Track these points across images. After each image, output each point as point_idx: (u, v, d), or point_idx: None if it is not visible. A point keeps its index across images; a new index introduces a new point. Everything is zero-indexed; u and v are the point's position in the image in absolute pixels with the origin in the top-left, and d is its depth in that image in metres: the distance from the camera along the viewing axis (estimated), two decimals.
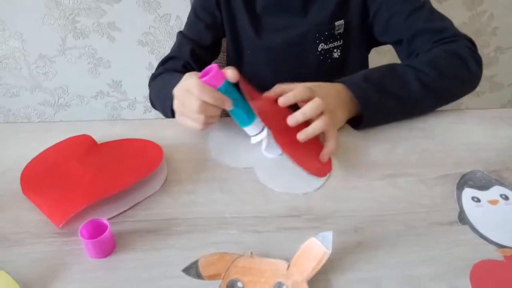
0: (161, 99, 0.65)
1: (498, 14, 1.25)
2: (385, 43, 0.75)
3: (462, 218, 0.45)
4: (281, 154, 0.53)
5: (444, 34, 0.66)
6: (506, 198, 0.47)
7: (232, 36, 0.78)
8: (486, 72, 1.39)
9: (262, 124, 0.51)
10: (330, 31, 0.72)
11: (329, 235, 0.38)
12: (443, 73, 0.60)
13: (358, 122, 0.58)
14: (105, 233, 0.39)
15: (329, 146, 0.51)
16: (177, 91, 0.53)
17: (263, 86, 0.76)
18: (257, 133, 0.51)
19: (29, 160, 0.50)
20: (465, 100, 1.47)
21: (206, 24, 0.76)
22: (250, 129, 0.51)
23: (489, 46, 1.33)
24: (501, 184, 0.49)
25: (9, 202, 0.47)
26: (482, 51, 1.33)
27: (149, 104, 1.35)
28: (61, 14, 1.15)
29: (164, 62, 0.77)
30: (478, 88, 1.53)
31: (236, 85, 0.50)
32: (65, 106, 1.37)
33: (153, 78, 0.75)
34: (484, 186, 0.49)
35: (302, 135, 0.49)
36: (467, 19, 1.26)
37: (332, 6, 0.70)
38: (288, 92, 0.51)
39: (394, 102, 0.58)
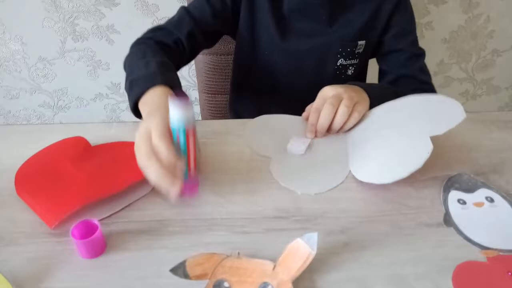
0: (131, 80, 0.58)
1: (494, 17, 1.24)
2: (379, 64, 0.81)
3: (448, 220, 0.46)
4: (302, 154, 0.56)
5: (425, 87, 0.75)
6: (491, 200, 0.48)
7: (250, 34, 0.75)
8: (483, 75, 1.40)
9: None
10: (352, 48, 0.74)
11: (314, 236, 0.39)
12: None
13: None
14: (95, 234, 0.40)
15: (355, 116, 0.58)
16: (140, 134, 0.44)
17: (276, 87, 0.77)
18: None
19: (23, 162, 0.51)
20: (463, 103, 1.48)
21: (214, 10, 0.71)
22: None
23: (486, 49, 1.33)
24: (487, 186, 0.50)
25: (5, 202, 0.47)
26: (479, 54, 1.34)
27: None
28: (60, 17, 1.15)
29: (156, 30, 0.70)
30: (476, 91, 1.53)
31: None
32: (64, 108, 1.38)
33: (138, 42, 0.67)
34: (470, 189, 0.49)
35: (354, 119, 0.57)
36: (463, 22, 1.25)
37: (358, 24, 0.72)
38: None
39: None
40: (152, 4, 1.15)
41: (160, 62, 0.59)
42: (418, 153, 0.47)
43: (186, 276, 0.38)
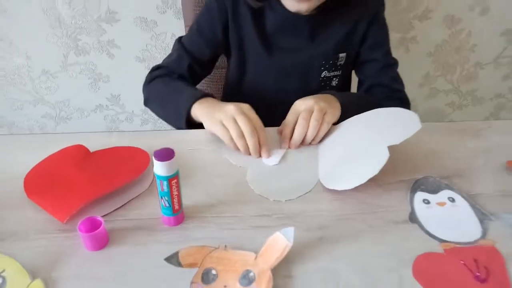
0: (170, 104, 0.73)
1: (475, 32, 1.31)
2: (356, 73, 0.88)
3: (412, 217, 0.51)
4: (276, 165, 0.61)
5: (398, 95, 0.81)
6: (453, 200, 0.54)
7: (238, 53, 0.81)
8: (467, 86, 1.46)
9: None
10: (334, 61, 0.80)
11: (291, 230, 0.45)
12: None
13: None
14: (99, 228, 0.45)
15: (324, 128, 0.64)
16: (230, 110, 0.61)
17: (264, 100, 0.85)
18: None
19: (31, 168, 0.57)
20: (450, 113, 1.54)
21: (206, 40, 0.80)
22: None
23: (469, 62, 1.39)
24: (450, 188, 0.55)
25: (17, 204, 0.53)
26: (463, 67, 1.41)
27: (146, 116, 1.43)
28: (64, 33, 1.22)
29: (160, 68, 0.81)
30: (462, 102, 1.59)
31: None
32: (66, 119, 1.43)
33: (151, 80, 0.79)
34: (434, 190, 0.55)
35: (323, 130, 0.63)
36: (447, 36, 1.32)
37: (338, 38, 0.78)
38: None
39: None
40: (151, 20, 1.21)
41: (185, 83, 0.74)
42: (376, 161, 0.52)
43: (178, 264, 0.43)
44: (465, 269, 0.45)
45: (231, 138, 0.60)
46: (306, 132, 0.62)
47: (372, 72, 0.83)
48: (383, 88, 0.81)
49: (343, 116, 0.67)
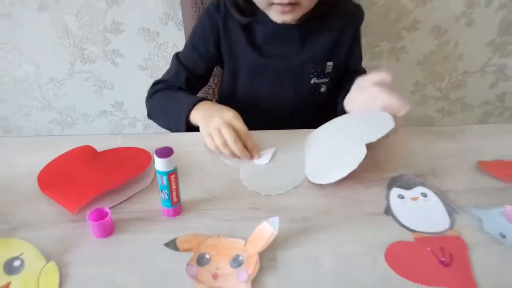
0: (171, 113, 0.79)
1: (462, 43, 1.37)
2: None
3: (388, 210, 0.57)
4: (266, 164, 0.67)
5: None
6: (425, 195, 0.59)
7: (231, 63, 0.87)
8: (456, 94, 1.52)
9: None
10: (323, 69, 0.85)
11: (276, 219, 0.50)
12: None
13: None
14: (106, 218, 0.51)
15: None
16: (215, 123, 0.67)
17: (257, 107, 0.91)
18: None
19: (43, 166, 0.63)
20: (439, 119, 1.60)
21: (201, 55, 0.86)
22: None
23: (457, 70, 1.45)
24: (424, 185, 0.61)
25: (31, 198, 0.58)
26: (451, 75, 1.47)
27: (148, 122, 1.49)
28: (71, 43, 1.29)
29: (160, 82, 0.87)
30: (451, 108, 1.65)
31: None
32: (71, 124, 1.50)
33: (153, 94, 0.85)
34: (409, 186, 0.61)
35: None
36: (435, 46, 1.38)
37: (326, 46, 0.83)
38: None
39: None
40: (153, 31, 1.28)
41: (184, 92, 0.81)
42: (354, 157, 0.58)
43: (176, 249, 0.49)
44: (432, 255, 0.50)
45: (217, 147, 0.67)
46: None
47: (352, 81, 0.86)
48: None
49: None
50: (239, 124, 0.68)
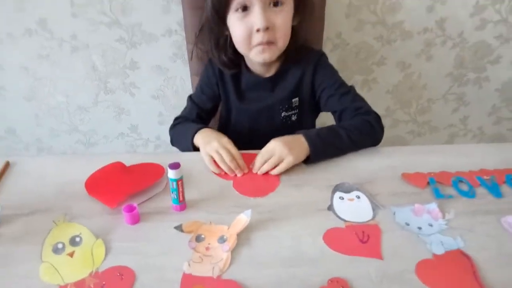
0: (183, 139, 1.03)
1: (424, 74, 1.59)
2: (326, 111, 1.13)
3: (330, 208, 0.80)
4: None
5: (360, 110, 1.00)
6: (358, 197, 0.82)
7: (224, 103, 1.15)
8: (423, 118, 1.75)
9: None
10: (290, 104, 1.10)
11: (249, 211, 0.74)
12: (361, 132, 0.94)
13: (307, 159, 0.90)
14: (134, 211, 0.75)
15: (278, 169, 0.87)
16: (214, 145, 0.90)
17: (244, 136, 1.17)
18: None
19: (90, 174, 0.87)
20: (411, 139, 1.83)
21: (208, 96, 1.14)
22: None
23: (422, 98, 1.67)
24: (359, 190, 0.84)
25: (82, 198, 0.82)
26: (418, 102, 1.70)
27: (158, 142, 1.75)
28: (96, 77, 1.54)
29: (179, 118, 1.14)
30: (420, 131, 1.88)
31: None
32: (94, 144, 1.75)
33: (173, 126, 1.12)
34: (348, 190, 0.84)
35: (275, 171, 0.87)
36: (401, 78, 1.61)
37: (290, 87, 1.08)
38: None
39: (332, 149, 0.92)
40: (164, 67, 1.52)
41: (194, 122, 1.08)
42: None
43: (182, 231, 0.73)
44: (355, 236, 0.73)
45: (211, 163, 0.91)
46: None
47: (335, 104, 1.03)
48: (348, 111, 1.01)
49: (315, 151, 0.89)
50: (232, 147, 0.92)
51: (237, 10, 0.93)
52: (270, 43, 0.96)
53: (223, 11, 0.96)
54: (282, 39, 0.98)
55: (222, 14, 0.97)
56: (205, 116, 1.16)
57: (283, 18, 0.94)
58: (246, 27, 0.93)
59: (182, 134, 1.06)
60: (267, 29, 0.93)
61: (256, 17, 0.91)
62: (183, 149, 1.06)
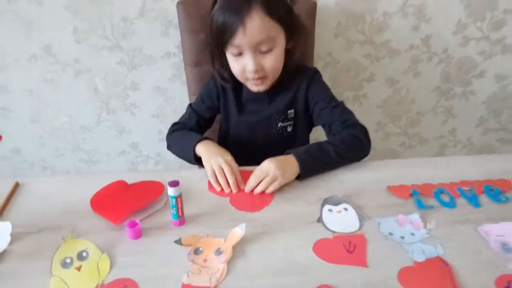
0: (183, 146, 1.10)
1: (412, 90, 1.66)
2: (318, 125, 1.20)
3: (320, 220, 0.86)
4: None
5: (348, 122, 1.06)
6: (346, 209, 0.88)
7: (224, 114, 1.22)
8: (413, 130, 1.82)
9: None
10: (286, 115, 1.18)
11: (244, 225, 0.79)
12: (348, 147, 1.01)
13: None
14: (137, 226, 0.81)
15: (271, 188, 0.92)
16: (219, 160, 0.97)
17: (243, 147, 1.24)
18: None
19: (94, 193, 0.93)
20: (402, 151, 1.88)
21: (207, 106, 1.22)
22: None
23: (412, 111, 1.73)
24: (347, 202, 0.90)
25: (87, 215, 0.88)
26: (407, 115, 1.76)
27: (158, 159, 1.81)
28: (98, 99, 1.60)
29: (178, 123, 1.20)
30: (411, 142, 1.95)
31: None
32: (96, 162, 1.81)
33: (171, 132, 1.18)
34: (336, 203, 0.90)
35: (269, 190, 0.92)
36: (390, 93, 1.68)
37: (286, 100, 1.16)
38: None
39: (321, 165, 0.98)
40: (163, 88, 1.59)
41: (193, 132, 1.14)
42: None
43: (181, 244, 0.78)
44: (342, 246, 0.79)
45: (213, 176, 0.97)
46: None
47: (326, 116, 1.10)
48: (337, 123, 1.07)
49: (305, 169, 0.94)
50: (233, 164, 0.99)
51: (232, 53, 1.03)
52: (263, 78, 1.07)
53: (221, 48, 1.06)
54: (274, 74, 1.08)
55: (221, 48, 1.06)
56: (203, 125, 1.23)
57: (273, 61, 1.04)
58: (240, 66, 1.04)
59: (183, 141, 1.12)
60: (258, 70, 1.03)
61: (247, 62, 1.02)
62: (182, 155, 1.12)
